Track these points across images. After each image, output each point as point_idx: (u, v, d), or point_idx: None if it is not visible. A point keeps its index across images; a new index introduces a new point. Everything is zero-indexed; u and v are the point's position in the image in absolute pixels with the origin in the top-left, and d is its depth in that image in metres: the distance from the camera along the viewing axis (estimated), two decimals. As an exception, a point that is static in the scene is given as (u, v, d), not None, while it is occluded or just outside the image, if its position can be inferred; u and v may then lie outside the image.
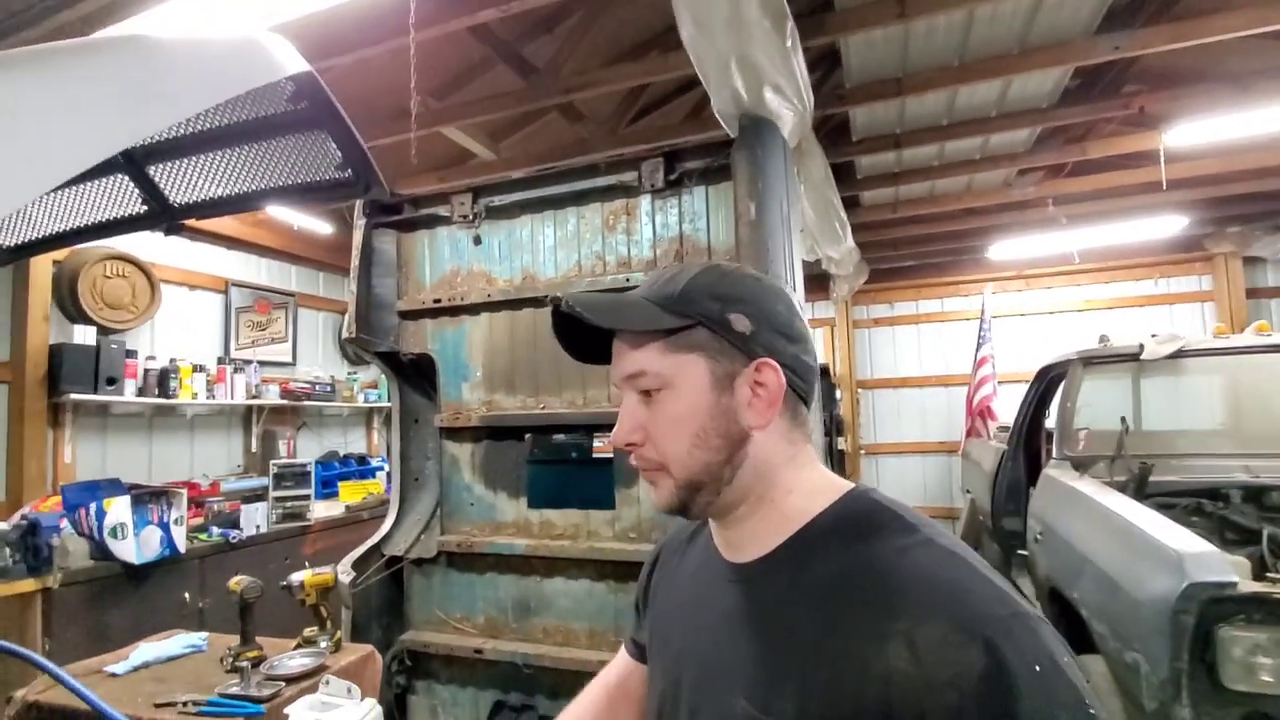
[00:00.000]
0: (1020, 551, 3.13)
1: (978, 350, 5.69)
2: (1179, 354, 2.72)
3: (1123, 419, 2.25)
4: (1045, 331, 6.00)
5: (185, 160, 1.35)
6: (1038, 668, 0.52)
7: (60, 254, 3.35)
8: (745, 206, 2.07)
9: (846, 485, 0.71)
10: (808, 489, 0.70)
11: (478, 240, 2.68)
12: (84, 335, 3.35)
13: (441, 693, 2.70)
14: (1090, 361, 2.99)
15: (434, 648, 2.62)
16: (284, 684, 1.51)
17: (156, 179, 1.41)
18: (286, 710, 1.02)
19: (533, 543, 2.54)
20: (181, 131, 1.30)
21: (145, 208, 1.48)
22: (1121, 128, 3.61)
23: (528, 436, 2.68)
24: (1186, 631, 1.45)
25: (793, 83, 2.24)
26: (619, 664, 0.94)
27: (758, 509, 0.70)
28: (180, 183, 1.41)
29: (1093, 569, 1.88)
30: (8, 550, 2.50)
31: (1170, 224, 4.87)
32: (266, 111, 1.16)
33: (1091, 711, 0.53)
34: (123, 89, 0.80)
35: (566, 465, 2.90)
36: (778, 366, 0.68)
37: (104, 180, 1.45)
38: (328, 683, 1.11)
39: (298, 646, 1.77)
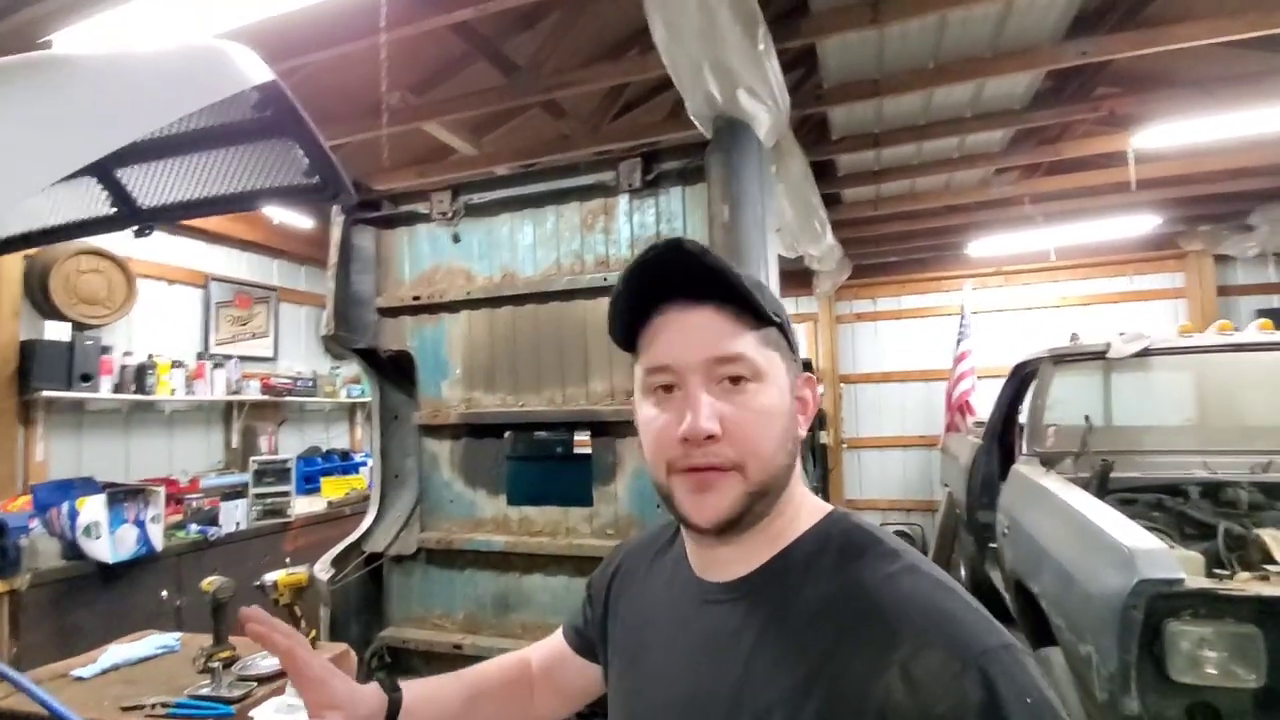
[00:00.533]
0: (992, 545, 3.20)
1: (958, 345, 5.76)
2: (1144, 353, 2.79)
3: (1086, 417, 2.31)
4: (1024, 327, 6.08)
5: (152, 165, 1.35)
6: (1029, 700, 0.53)
7: (31, 249, 3.30)
8: (719, 209, 2.10)
9: (826, 506, 0.72)
10: (798, 506, 0.70)
11: (456, 238, 2.68)
12: (56, 331, 3.31)
13: (421, 688, 2.72)
14: (1060, 359, 3.05)
15: (414, 644, 2.63)
16: (256, 684, 1.52)
17: (124, 182, 1.41)
18: (251, 713, 1.03)
19: (512, 539, 2.55)
20: (147, 137, 1.30)
21: (114, 209, 1.48)
22: (1094, 128, 3.67)
23: (507, 434, 2.69)
24: (1135, 626, 1.50)
25: (766, 85, 2.26)
26: (548, 650, 0.94)
27: (769, 524, 0.68)
28: (149, 186, 1.41)
29: (1051, 563, 1.94)
30: (-22, 551, 2.49)
31: (1143, 223, 4.95)
32: (232, 119, 1.17)
33: None
34: (87, 104, 0.81)
35: (546, 462, 2.92)
36: (814, 381, 0.71)
37: (71, 183, 1.45)
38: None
39: (272, 645, 1.78)
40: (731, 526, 0.64)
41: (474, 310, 2.67)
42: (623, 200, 2.48)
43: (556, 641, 0.94)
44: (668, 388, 0.66)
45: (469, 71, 3.40)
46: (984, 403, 5.03)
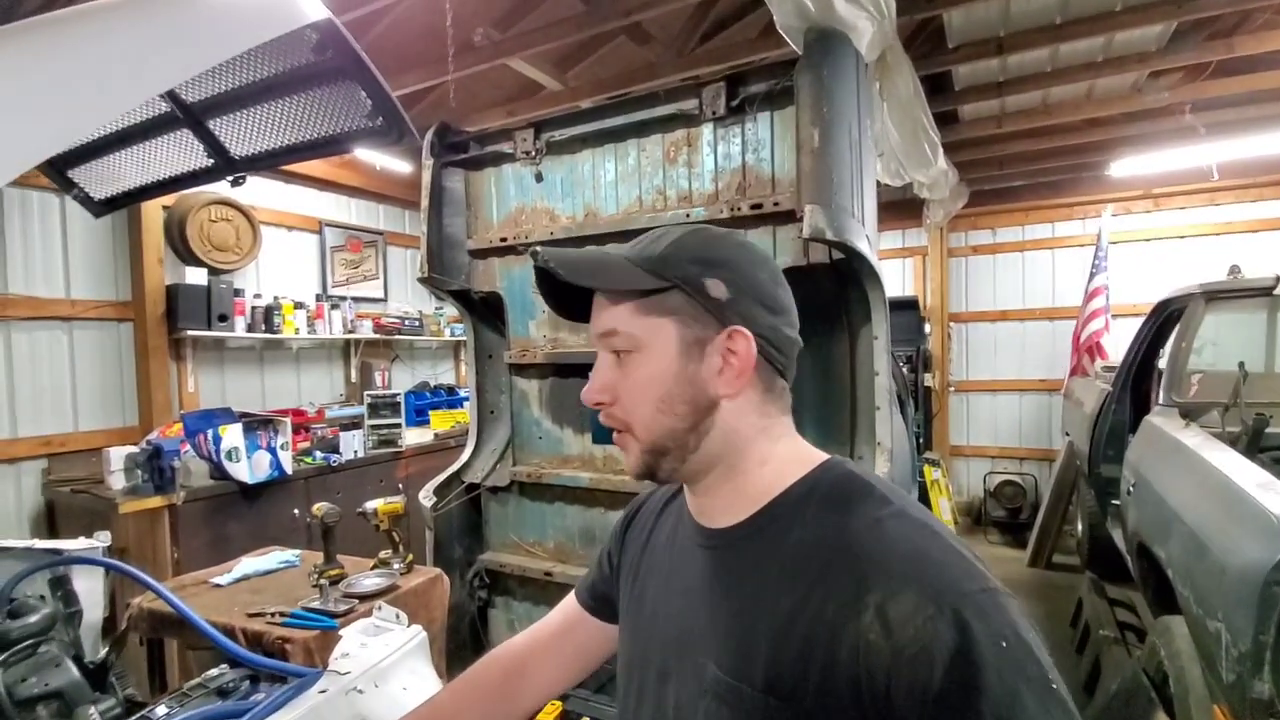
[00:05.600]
0: (1115, 502, 2.92)
1: (1090, 280, 5.17)
2: (1324, 288, 2.36)
3: (1240, 364, 1.99)
4: (1173, 258, 5.35)
5: (237, 114, 1.41)
6: (1004, 643, 0.53)
7: (168, 201, 3.62)
8: (808, 134, 1.93)
9: (821, 456, 0.71)
10: (782, 460, 0.70)
11: (539, 177, 2.67)
12: (195, 276, 3.65)
13: (518, 608, 2.90)
14: (1214, 296, 2.65)
15: (509, 568, 2.80)
16: (358, 601, 1.67)
17: (217, 134, 1.48)
18: (340, 632, 1.12)
19: (596, 476, 2.62)
20: (230, 86, 1.35)
21: (211, 161, 1.57)
22: (1275, 18, 3.02)
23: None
24: (1277, 604, 1.31)
25: (867, -11, 2.02)
26: (562, 614, 0.96)
27: (729, 478, 0.70)
28: (238, 137, 1.48)
29: (1182, 528, 1.72)
30: (139, 471, 2.86)
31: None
32: (298, 63, 1.19)
33: (1054, 686, 0.53)
34: (158, 37, 0.86)
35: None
36: (750, 335, 0.67)
37: (172, 137, 1.54)
38: (380, 608, 1.20)
39: (374, 567, 1.94)
40: (650, 478, 0.71)
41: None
42: (706, 130, 2.35)
43: (569, 608, 0.96)
44: None
45: (550, 2, 3.30)
46: (1118, 345, 4.55)
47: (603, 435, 2.69)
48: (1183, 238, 5.42)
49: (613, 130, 2.51)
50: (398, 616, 1.17)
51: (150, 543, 2.85)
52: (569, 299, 0.73)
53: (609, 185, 2.56)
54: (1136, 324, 3.72)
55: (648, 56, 3.57)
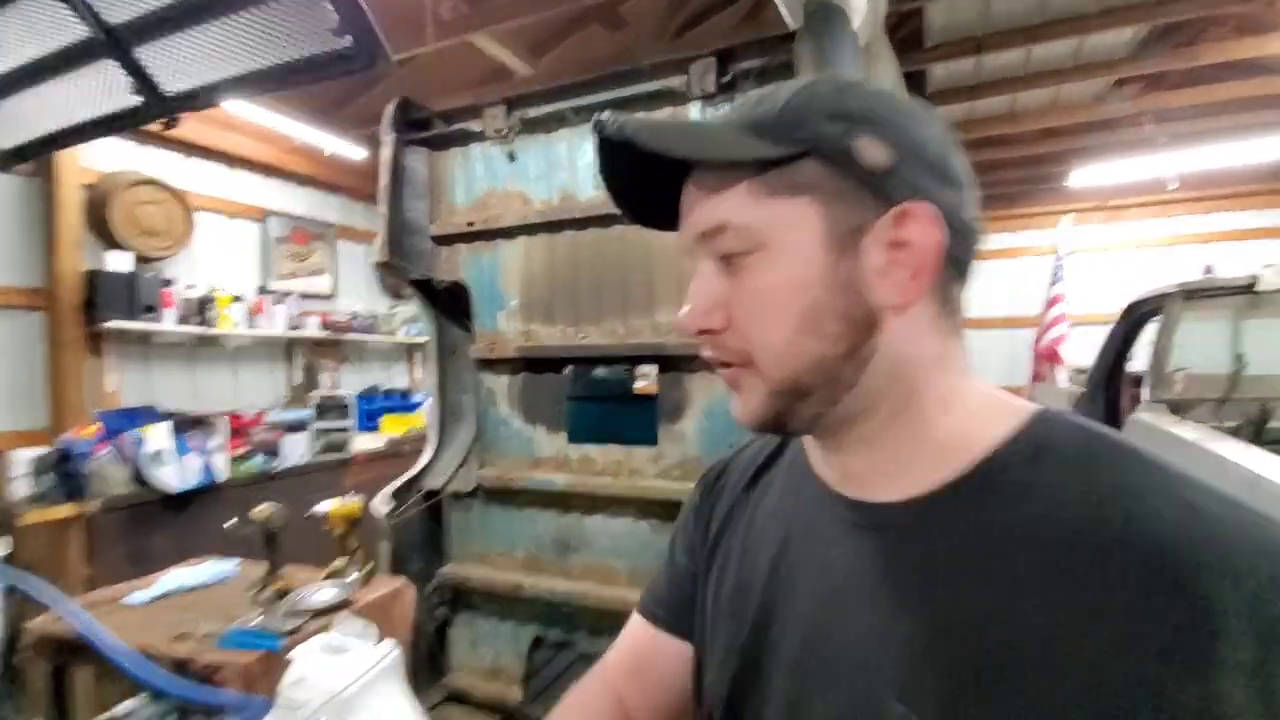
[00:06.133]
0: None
1: (1050, 289, 5.28)
2: (1304, 285, 2.39)
3: (1238, 356, 1.96)
4: (1129, 268, 5.55)
5: (172, 38, 1.19)
6: None
7: (89, 178, 3.27)
8: (811, 106, 1.81)
9: (1026, 403, 0.49)
10: (971, 406, 0.49)
11: (512, 157, 2.49)
12: (119, 262, 3.29)
13: (482, 626, 2.68)
14: (1193, 294, 2.66)
15: (474, 582, 2.58)
16: (308, 618, 1.44)
17: (144, 63, 1.26)
18: (291, 653, 0.90)
19: (572, 479, 2.44)
20: (163, 3, 1.14)
21: (140, 99, 1.33)
22: (1234, 32, 3.13)
23: (568, 369, 2.56)
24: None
25: (869, -39, 1.93)
26: (630, 640, 0.72)
27: (896, 426, 0.49)
28: (171, 67, 1.25)
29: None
30: (46, 476, 2.52)
31: (1288, 145, 4.30)
32: (248, -38, 0.99)
33: None
34: None
35: (607, 399, 2.79)
36: (931, 215, 0.45)
37: (93, 69, 1.31)
38: (342, 621, 0.99)
39: (327, 578, 1.71)
40: (774, 430, 0.52)
41: (531, 236, 2.50)
42: (694, 108, 2.22)
43: (637, 633, 0.71)
44: None
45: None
46: (1076, 352, 4.63)
47: (579, 434, 2.51)
48: (1138, 248, 5.61)
49: (592, 108, 2.35)
50: (364, 629, 0.96)
51: (58, 556, 2.50)
52: (645, 194, 0.53)
53: (587, 167, 2.40)
54: (1097, 331, 3.76)
55: (623, 42, 3.45)
